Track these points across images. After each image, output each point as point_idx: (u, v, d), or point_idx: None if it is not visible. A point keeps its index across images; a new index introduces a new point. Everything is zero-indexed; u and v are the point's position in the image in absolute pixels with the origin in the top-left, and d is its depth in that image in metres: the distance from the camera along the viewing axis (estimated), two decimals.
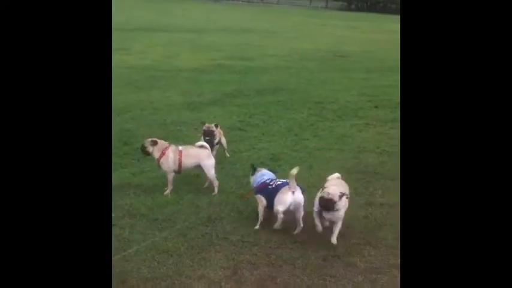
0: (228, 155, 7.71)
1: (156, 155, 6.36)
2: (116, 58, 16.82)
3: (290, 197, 5.23)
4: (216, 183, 6.34)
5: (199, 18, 35.23)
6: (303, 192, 5.32)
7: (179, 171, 6.39)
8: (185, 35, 24.53)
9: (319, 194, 5.19)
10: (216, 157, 6.94)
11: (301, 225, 5.33)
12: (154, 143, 6.41)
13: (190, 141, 8.28)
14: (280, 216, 5.24)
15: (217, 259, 4.78)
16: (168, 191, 6.28)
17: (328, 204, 5.03)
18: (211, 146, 6.98)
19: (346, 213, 5.20)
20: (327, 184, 5.32)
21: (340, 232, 5.15)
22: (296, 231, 5.33)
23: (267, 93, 12.50)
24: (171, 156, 6.33)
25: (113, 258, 4.70)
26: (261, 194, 5.48)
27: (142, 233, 5.22)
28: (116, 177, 6.69)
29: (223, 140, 7.64)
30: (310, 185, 6.64)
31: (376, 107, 11.40)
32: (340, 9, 50.26)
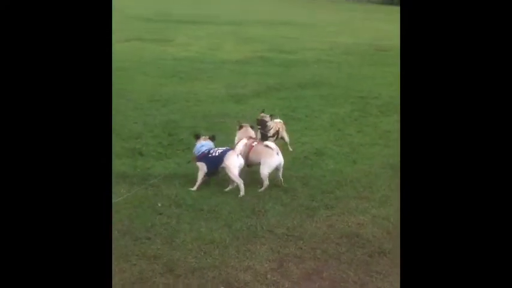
0: (290, 149, 7.61)
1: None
2: (160, 50, 17.09)
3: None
4: (265, 183, 6.28)
5: (240, 10, 35.26)
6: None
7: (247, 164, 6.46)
8: (227, 27, 24.61)
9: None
10: None
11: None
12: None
13: (234, 133, 8.37)
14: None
15: (263, 251, 4.81)
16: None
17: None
18: (265, 137, 7.02)
19: None
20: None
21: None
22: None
23: (309, 86, 12.46)
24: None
25: (159, 247, 4.78)
26: (202, 162, 6.23)
27: (188, 222, 5.29)
28: (162, 167, 6.80)
29: (284, 134, 7.57)
30: (355, 180, 6.64)
31: None
32: (382, 3, 49.53)
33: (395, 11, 38.38)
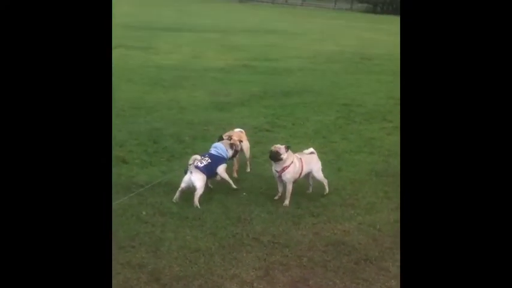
0: (249, 169, 7.22)
1: (288, 162, 6.10)
2: (144, 57, 17.01)
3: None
4: (325, 181, 6.38)
5: (224, 19, 35.28)
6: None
7: (296, 180, 6.22)
8: (210, 35, 24.58)
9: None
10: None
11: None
12: (287, 149, 6.15)
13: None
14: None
15: (249, 259, 4.79)
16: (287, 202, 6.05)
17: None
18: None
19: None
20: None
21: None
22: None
23: (293, 94, 12.46)
24: (297, 164, 6.15)
25: (144, 255, 4.73)
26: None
27: (173, 231, 5.24)
28: (146, 175, 6.75)
29: (246, 147, 7.08)
30: (340, 187, 6.65)
31: None
32: (366, 11, 49.85)
33: (377, 20, 38.78)
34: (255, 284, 4.41)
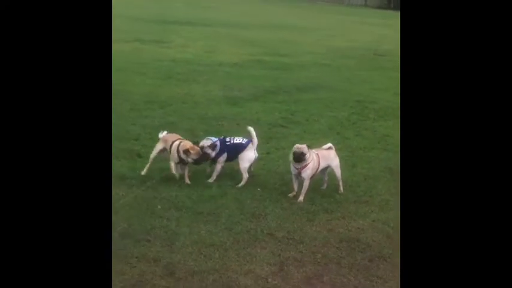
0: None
1: (309, 159, 6.07)
2: (157, 51, 17.06)
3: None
4: (341, 181, 6.35)
5: (237, 13, 35.28)
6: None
7: (313, 175, 6.23)
8: (224, 29, 24.61)
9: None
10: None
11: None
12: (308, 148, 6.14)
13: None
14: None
15: (263, 255, 4.79)
16: (302, 198, 6.03)
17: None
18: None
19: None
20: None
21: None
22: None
23: (307, 90, 12.45)
24: (315, 160, 6.14)
25: (159, 249, 4.76)
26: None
27: (188, 225, 5.26)
28: (161, 169, 6.77)
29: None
30: (354, 184, 6.64)
31: None
32: (379, 7, 49.65)
33: (391, 16, 38.56)
34: (269, 280, 4.42)
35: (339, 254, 4.89)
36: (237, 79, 13.30)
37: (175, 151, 6.36)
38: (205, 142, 6.46)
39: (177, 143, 6.43)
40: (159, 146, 6.70)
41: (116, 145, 7.43)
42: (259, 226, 5.34)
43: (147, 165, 6.58)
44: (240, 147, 6.51)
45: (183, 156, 6.29)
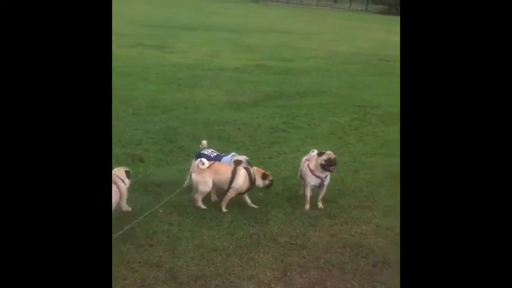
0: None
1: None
2: (160, 56, 17.07)
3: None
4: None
5: (239, 18, 35.32)
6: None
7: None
8: (226, 34, 24.63)
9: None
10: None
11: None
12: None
13: (234, 141, 8.35)
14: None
15: (266, 260, 4.78)
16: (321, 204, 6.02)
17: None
18: None
19: None
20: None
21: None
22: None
23: (309, 95, 12.45)
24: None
25: (161, 254, 4.74)
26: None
27: (190, 230, 5.25)
28: (163, 174, 6.77)
29: None
30: (356, 189, 6.62)
31: None
32: (380, 12, 49.66)
33: (393, 21, 38.58)
34: (272, 285, 4.40)
35: (342, 260, 4.87)
36: (239, 84, 13.30)
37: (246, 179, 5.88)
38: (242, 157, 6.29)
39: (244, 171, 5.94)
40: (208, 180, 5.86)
41: (118, 150, 7.44)
42: (262, 231, 5.32)
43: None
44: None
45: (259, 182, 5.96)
